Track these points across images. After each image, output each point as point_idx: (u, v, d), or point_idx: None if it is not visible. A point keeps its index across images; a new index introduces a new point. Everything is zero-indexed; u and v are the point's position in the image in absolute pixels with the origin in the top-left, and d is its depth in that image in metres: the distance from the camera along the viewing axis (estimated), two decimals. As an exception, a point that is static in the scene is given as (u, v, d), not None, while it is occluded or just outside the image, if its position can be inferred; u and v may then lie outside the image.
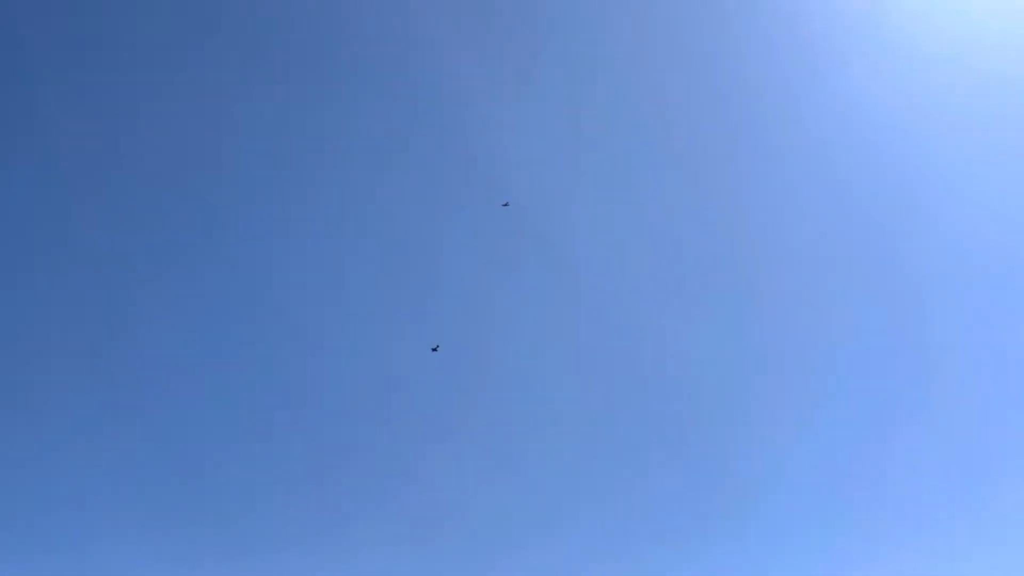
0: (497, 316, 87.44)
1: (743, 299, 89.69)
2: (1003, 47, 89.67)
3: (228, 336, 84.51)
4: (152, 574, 71.29)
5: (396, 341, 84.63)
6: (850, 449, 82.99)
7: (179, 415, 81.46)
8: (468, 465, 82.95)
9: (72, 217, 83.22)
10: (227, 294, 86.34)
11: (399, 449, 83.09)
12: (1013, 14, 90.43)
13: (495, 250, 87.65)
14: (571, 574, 76.09)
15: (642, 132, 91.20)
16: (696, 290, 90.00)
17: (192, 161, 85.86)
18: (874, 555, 75.48)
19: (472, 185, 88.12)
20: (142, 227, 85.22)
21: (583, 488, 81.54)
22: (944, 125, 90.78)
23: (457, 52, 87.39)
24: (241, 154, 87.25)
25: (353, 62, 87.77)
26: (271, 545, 76.70)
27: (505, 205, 78.92)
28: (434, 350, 74.47)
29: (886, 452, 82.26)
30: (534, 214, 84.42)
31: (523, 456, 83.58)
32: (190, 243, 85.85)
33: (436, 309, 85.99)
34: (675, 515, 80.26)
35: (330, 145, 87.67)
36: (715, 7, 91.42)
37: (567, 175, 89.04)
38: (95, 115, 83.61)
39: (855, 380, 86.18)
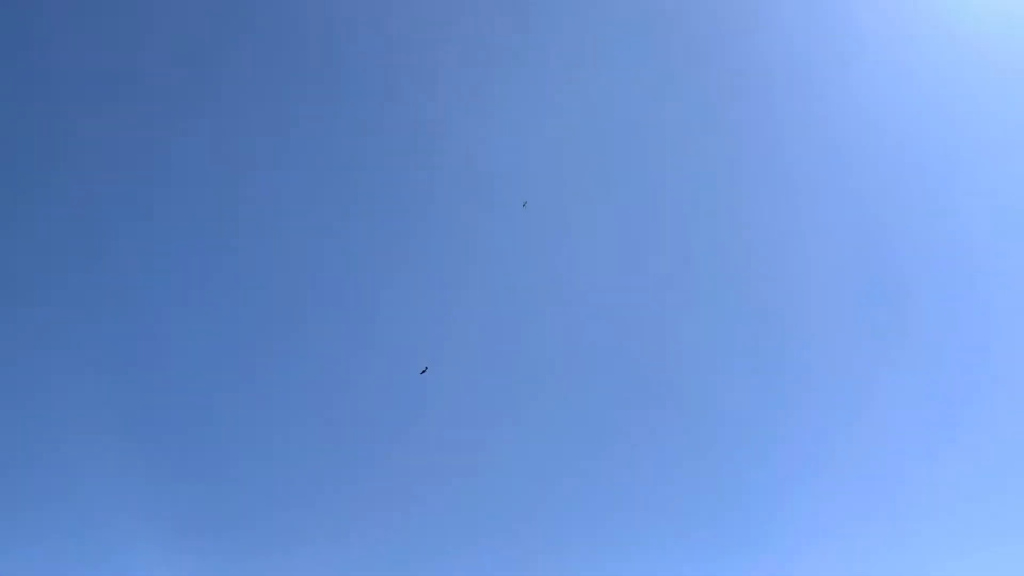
0: (487, 311, 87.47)
1: (744, 297, 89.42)
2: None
3: (221, 332, 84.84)
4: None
5: (389, 339, 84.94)
6: (849, 449, 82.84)
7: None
8: (455, 461, 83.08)
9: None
10: (216, 294, 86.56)
11: (389, 445, 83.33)
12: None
13: (487, 249, 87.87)
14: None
15: (640, 128, 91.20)
16: (691, 287, 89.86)
17: (183, 160, 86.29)
18: (872, 555, 75.46)
19: (469, 185, 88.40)
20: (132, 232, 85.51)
21: (570, 487, 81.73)
22: (959, 124, 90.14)
23: (443, 46, 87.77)
24: (230, 153, 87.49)
25: (330, 58, 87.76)
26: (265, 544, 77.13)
27: (524, 205, 79.24)
28: (422, 373, 75.33)
29: (884, 451, 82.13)
30: (529, 213, 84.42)
31: (509, 453, 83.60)
32: (182, 244, 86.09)
33: (420, 305, 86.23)
34: (666, 513, 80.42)
35: (310, 144, 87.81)
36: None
37: (561, 175, 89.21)
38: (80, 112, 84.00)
39: (854, 379, 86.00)
